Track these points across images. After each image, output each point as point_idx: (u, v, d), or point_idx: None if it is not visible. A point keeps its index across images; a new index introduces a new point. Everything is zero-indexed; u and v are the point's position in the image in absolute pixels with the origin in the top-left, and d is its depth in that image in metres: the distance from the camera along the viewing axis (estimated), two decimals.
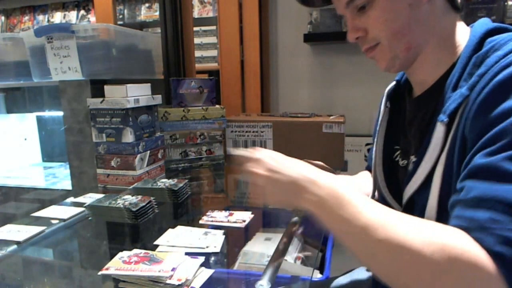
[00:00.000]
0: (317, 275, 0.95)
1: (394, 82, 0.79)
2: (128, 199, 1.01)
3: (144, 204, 0.98)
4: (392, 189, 0.73)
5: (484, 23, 0.61)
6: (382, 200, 0.75)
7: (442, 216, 0.54)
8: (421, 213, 0.58)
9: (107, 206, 0.98)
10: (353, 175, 0.96)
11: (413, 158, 0.65)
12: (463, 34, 0.63)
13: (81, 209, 1.02)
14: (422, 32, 0.62)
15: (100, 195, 1.10)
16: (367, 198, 0.54)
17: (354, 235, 0.51)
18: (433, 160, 0.57)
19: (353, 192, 0.54)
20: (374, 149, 0.79)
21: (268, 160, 0.63)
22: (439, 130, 0.56)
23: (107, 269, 0.69)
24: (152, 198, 1.02)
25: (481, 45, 0.58)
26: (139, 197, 1.03)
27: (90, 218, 1.00)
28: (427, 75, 0.65)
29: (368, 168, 0.97)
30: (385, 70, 0.68)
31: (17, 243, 0.84)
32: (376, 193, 0.79)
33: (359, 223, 0.50)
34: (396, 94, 0.78)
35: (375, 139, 0.79)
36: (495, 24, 0.60)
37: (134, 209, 0.95)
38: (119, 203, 0.98)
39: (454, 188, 0.52)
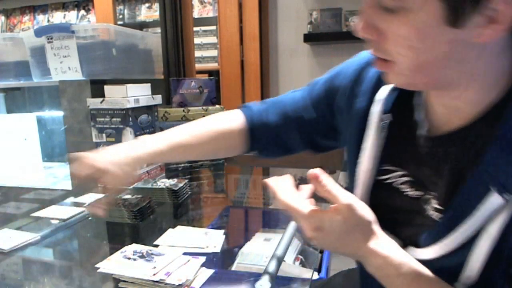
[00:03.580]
0: (315, 276, 0.95)
1: (390, 87, 0.59)
2: (128, 199, 1.01)
3: (144, 204, 0.98)
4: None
5: None
6: None
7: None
8: (450, 275, 0.49)
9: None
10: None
11: (434, 203, 0.52)
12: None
13: (81, 209, 1.02)
14: (459, 73, 0.45)
15: (100, 195, 1.10)
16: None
17: None
18: (477, 227, 0.46)
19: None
20: (359, 166, 0.63)
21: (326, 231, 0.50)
22: (495, 202, 0.44)
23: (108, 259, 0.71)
24: (152, 198, 1.03)
25: None
26: (139, 197, 1.03)
27: (90, 218, 1.00)
28: (464, 104, 0.49)
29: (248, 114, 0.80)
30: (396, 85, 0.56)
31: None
32: None
33: None
34: (395, 102, 0.59)
35: (358, 153, 0.64)
36: None
37: (134, 209, 0.95)
38: (119, 203, 0.98)
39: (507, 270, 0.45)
